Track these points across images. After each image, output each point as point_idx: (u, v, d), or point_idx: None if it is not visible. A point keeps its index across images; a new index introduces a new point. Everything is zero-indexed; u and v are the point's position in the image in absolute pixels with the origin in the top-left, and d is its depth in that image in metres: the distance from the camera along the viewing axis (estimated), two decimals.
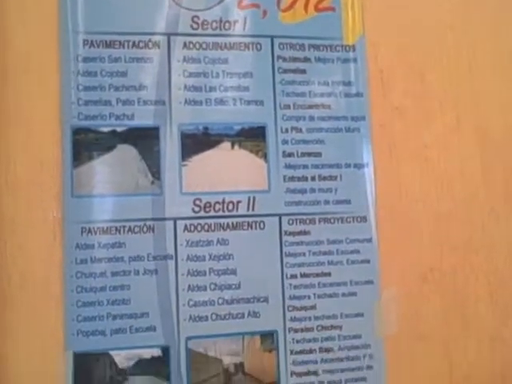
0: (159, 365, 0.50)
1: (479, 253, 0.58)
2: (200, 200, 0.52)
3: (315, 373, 0.53)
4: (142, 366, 0.50)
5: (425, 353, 0.56)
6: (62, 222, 0.50)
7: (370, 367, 0.54)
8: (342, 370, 0.54)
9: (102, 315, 0.50)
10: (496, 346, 0.58)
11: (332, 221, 0.55)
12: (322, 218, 0.55)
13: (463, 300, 0.57)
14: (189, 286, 0.51)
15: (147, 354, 0.50)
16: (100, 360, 0.49)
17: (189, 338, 0.51)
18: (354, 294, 0.55)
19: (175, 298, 0.51)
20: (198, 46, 0.54)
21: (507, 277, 0.59)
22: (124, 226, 0.51)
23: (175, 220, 0.52)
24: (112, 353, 0.49)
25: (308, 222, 0.54)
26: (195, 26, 0.54)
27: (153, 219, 0.51)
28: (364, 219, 0.56)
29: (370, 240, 0.55)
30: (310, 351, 0.53)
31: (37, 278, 0.49)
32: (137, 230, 0.51)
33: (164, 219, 0.52)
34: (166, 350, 0.50)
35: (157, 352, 0.50)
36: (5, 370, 0.48)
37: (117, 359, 0.49)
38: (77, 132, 0.51)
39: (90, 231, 0.50)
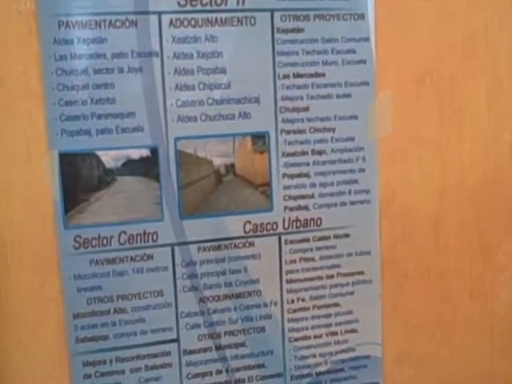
0: (148, 165, 0.50)
1: (479, 56, 0.57)
2: None
3: (307, 175, 0.54)
4: (131, 167, 0.50)
5: (418, 156, 0.56)
6: (37, 15, 0.47)
7: (362, 170, 0.55)
8: (334, 173, 0.54)
9: (86, 114, 0.49)
10: (490, 151, 0.58)
11: (327, 18, 0.52)
12: (316, 15, 0.52)
13: (460, 104, 0.57)
14: (176, 85, 0.50)
15: (135, 154, 0.50)
16: (87, 160, 0.49)
17: (178, 139, 0.50)
18: (348, 95, 0.54)
19: (162, 98, 0.50)
20: None
21: (506, 82, 0.58)
22: (104, 20, 0.48)
23: (159, 14, 0.49)
24: (99, 153, 0.49)
25: (302, 18, 0.52)
26: None
27: (135, 13, 0.49)
28: (362, 17, 0.53)
29: (367, 39, 0.53)
30: (302, 153, 0.53)
31: (14, 76, 0.47)
32: (118, 24, 0.48)
33: (147, 13, 0.49)
34: (154, 151, 0.50)
35: (145, 152, 0.50)
36: None
37: (104, 159, 0.49)
38: None
39: (67, 25, 0.48)
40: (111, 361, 0.52)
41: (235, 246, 0.53)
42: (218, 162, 0.51)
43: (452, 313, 0.60)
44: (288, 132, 0.53)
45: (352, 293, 0.57)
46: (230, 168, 0.52)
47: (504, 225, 0.60)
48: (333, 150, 0.54)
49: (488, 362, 0.62)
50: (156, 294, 0.52)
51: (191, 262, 0.52)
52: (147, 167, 0.50)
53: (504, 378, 0.62)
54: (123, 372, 0.52)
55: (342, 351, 0.57)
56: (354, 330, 0.57)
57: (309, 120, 0.53)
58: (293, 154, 0.53)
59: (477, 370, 0.61)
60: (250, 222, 0.53)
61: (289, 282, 0.55)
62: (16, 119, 0.48)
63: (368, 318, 0.57)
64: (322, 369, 0.57)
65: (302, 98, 0.53)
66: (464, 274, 0.59)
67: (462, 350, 0.61)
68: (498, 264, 0.60)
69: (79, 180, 0.49)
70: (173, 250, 0.52)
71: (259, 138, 0.52)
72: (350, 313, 0.57)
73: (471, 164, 0.58)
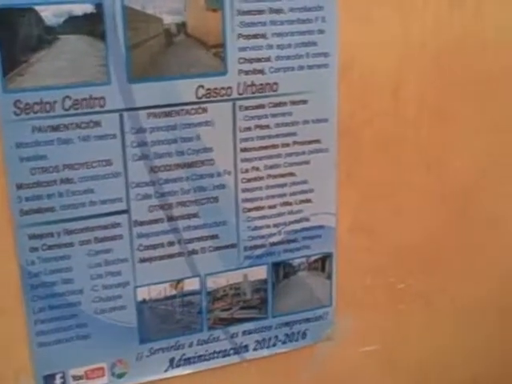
0: (93, 23, 0.49)
1: None
2: None
3: (263, 36, 0.53)
4: (74, 25, 0.48)
5: (380, 18, 0.56)
6: None
7: (321, 31, 0.55)
8: (292, 34, 0.54)
9: None
10: (455, 14, 0.59)
11: None
12: None
13: None
14: None
15: (78, 9, 0.48)
16: (25, 16, 0.47)
17: None
18: None
19: None
20: None
21: None
22: None
23: None
24: (37, 8, 0.47)
25: None
26: None
27: None
28: None
29: None
30: (259, 12, 0.52)
31: None
32: None
33: None
34: (99, 6, 0.48)
35: (89, 8, 0.48)
36: None
37: (44, 15, 0.47)
38: None
39: None
40: (59, 233, 0.52)
41: (187, 112, 0.53)
42: (168, 20, 0.50)
43: (407, 182, 0.63)
44: None
45: (308, 162, 0.58)
46: (182, 27, 0.51)
47: (466, 92, 0.61)
48: (291, 9, 0.53)
49: (441, 230, 0.66)
50: (104, 163, 0.52)
51: (141, 129, 0.52)
52: (92, 25, 0.49)
53: (454, 242, 0.67)
54: (72, 244, 0.53)
55: (296, 221, 0.60)
56: (308, 200, 0.60)
57: None
58: (248, 13, 0.52)
59: (430, 238, 0.65)
60: (202, 87, 0.53)
61: (243, 150, 0.56)
62: None
63: (323, 188, 0.60)
64: (276, 239, 0.60)
65: None
66: (421, 143, 0.62)
67: (415, 219, 0.64)
68: (454, 132, 0.63)
69: (17, 38, 0.47)
70: (121, 117, 0.51)
71: None
72: (305, 182, 0.59)
73: (435, 27, 0.58)
